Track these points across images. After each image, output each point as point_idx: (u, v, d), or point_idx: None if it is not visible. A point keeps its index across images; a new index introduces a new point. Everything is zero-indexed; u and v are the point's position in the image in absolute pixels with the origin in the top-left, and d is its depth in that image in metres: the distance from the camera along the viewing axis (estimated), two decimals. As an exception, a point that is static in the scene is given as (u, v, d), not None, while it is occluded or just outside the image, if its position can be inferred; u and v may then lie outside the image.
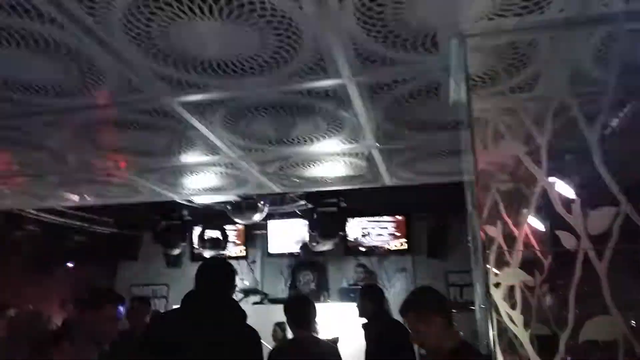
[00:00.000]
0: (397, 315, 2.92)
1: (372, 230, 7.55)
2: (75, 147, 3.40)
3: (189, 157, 3.61)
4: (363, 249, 7.56)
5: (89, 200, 5.03)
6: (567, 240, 1.89)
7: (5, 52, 2.11)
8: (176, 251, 7.62)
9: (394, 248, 7.48)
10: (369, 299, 4.15)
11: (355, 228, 7.55)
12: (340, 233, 6.88)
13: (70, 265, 7.77)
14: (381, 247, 7.49)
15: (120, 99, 2.59)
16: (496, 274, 1.94)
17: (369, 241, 7.53)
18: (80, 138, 3.21)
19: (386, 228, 7.54)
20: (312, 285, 7.34)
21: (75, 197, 4.83)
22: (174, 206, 6.20)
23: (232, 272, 2.80)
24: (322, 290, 7.30)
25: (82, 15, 1.86)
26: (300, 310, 3.36)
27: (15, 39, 2.02)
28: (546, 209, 2.02)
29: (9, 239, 6.59)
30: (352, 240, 7.56)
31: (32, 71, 2.32)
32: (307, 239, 7.08)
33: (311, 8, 1.81)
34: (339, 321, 5.18)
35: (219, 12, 1.82)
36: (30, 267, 6.91)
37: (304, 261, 7.52)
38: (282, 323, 4.63)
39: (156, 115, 2.81)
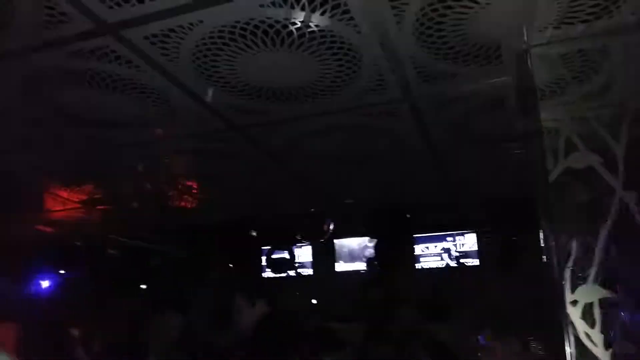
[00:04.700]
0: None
1: (443, 246, 7.38)
2: (153, 175, 3.59)
3: (258, 180, 3.71)
4: (434, 266, 7.39)
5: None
6: (651, 254, 1.78)
7: (89, 93, 2.29)
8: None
9: (465, 264, 7.26)
10: None
11: (425, 244, 7.41)
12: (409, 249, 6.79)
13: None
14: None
15: (190, 129, 2.72)
16: (573, 292, 1.86)
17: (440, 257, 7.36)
18: (158, 167, 3.39)
19: (457, 243, 7.34)
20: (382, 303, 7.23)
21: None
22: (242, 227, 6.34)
23: None
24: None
25: (156, 55, 1.99)
26: None
27: (94, 80, 2.18)
28: (626, 221, 1.92)
29: (91, 263, 7.01)
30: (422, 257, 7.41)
31: (112, 109, 2.49)
32: (373, 255, 7.03)
33: (369, 31, 1.83)
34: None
35: (281, 43, 1.89)
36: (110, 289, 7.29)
37: (371, 278, 7.45)
38: None
39: (225, 142, 2.93)
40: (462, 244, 7.25)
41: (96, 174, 3.51)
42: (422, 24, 1.80)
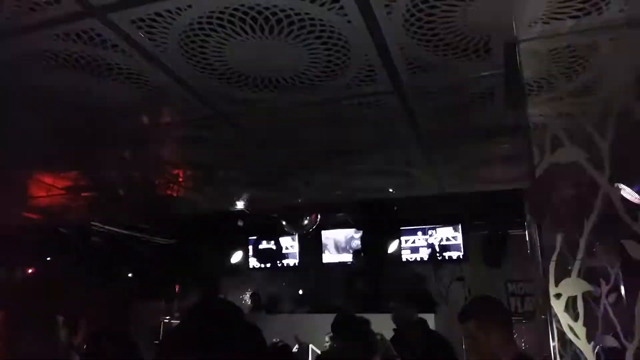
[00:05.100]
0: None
1: (428, 239, 7.42)
2: (139, 163, 3.56)
3: (245, 170, 3.70)
4: (418, 259, 7.44)
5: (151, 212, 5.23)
6: (633, 249, 1.81)
7: (74, 77, 2.25)
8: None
9: (450, 257, 7.31)
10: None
11: (411, 237, 7.45)
12: (395, 242, 6.86)
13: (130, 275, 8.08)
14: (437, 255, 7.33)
15: (178, 116, 2.70)
16: (557, 285, 1.88)
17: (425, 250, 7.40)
18: (143, 154, 3.36)
19: (442, 236, 7.38)
20: (368, 294, 7.25)
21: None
22: (229, 216, 6.34)
23: None
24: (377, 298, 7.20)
25: (143, 40, 1.95)
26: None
27: (80, 64, 2.15)
28: (610, 217, 1.94)
29: (75, 251, 6.96)
30: (407, 249, 7.45)
31: (98, 94, 2.45)
32: (359, 247, 7.09)
33: (359, 20, 1.82)
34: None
35: (270, 30, 1.87)
36: (94, 277, 7.25)
37: (358, 270, 7.47)
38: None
39: (212, 130, 2.90)
40: (447, 237, 7.30)
41: (80, 160, 3.47)
42: (412, 15, 1.79)
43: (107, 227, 6.68)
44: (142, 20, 1.82)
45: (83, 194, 4.39)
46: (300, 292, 7.71)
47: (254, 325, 2.70)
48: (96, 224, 6.47)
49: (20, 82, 2.34)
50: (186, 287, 2.90)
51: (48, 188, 4.16)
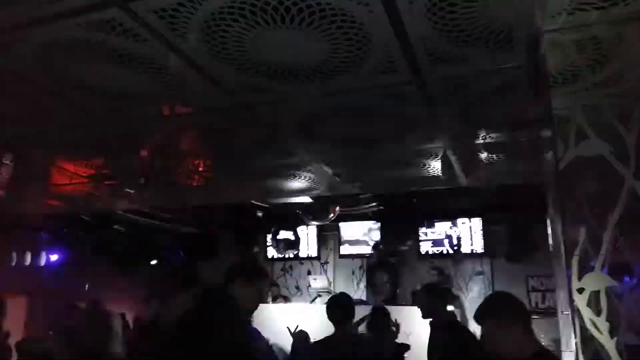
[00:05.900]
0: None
1: (447, 232, 7.36)
2: (159, 152, 3.61)
3: (265, 160, 3.71)
4: (437, 252, 7.38)
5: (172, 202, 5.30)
6: (659, 245, 1.77)
7: (97, 66, 2.28)
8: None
9: (470, 251, 7.24)
10: (432, 299, 4.06)
11: (430, 230, 7.40)
12: (414, 235, 6.82)
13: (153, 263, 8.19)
14: (456, 250, 7.27)
15: (201, 105, 2.72)
16: (580, 279, 1.85)
17: (444, 243, 7.34)
18: (164, 144, 3.40)
19: (462, 230, 7.32)
20: (388, 286, 7.22)
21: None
22: (249, 207, 6.37)
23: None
24: (397, 290, 7.17)
25: (165, 30, 1.97)
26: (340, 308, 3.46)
27: (102, 54, 2.17)
28: (635, 211, 1.90)
29: (98, 238, 7.10)
30: (426, 242, 7.40)
31: (122, 83, 2.48)
32: (379, 240, 7.07)
33: (380, 10, 1.81)
34: (411, 324, 5.06)
35: (291, 20, 1.87)
36: (115, 264, 7.38)
37: (378, 262, 7.46)
38: None
39: (233, 120, 2.92)
40: (467, 231, 7.22)
41: (103, 148, 3.52)
42: (434, 5, 1.77)
43: (130, 215, 6.76)
44: (164, 10, 1.84)
45: (106, 182, 4.46)
46: (319, 284, 7.73)
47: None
48: (120, 212, 6.56)
49: (44, 71, 2.38)
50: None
51: (71, 176, 4.23)
